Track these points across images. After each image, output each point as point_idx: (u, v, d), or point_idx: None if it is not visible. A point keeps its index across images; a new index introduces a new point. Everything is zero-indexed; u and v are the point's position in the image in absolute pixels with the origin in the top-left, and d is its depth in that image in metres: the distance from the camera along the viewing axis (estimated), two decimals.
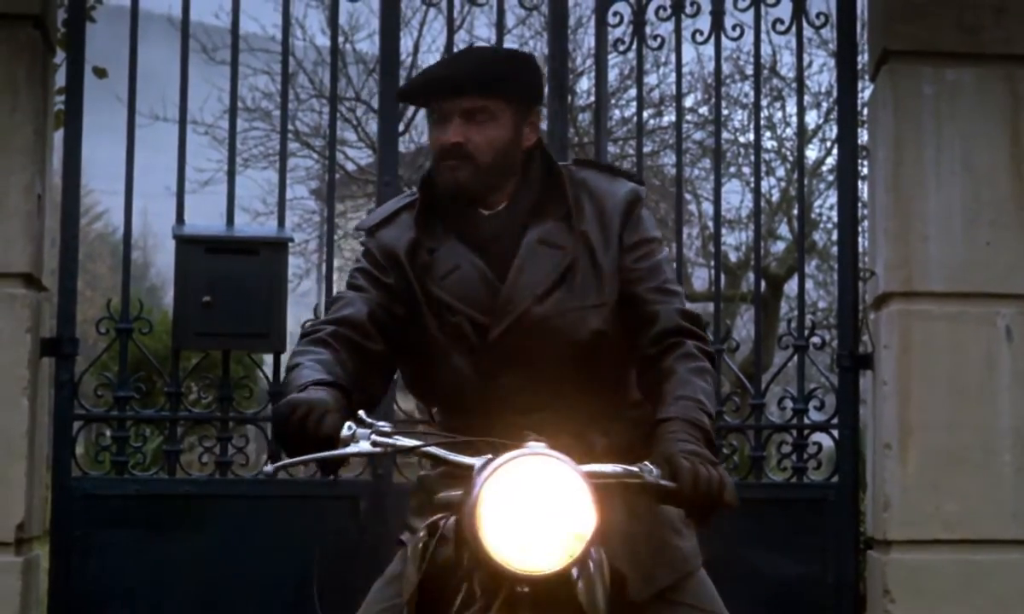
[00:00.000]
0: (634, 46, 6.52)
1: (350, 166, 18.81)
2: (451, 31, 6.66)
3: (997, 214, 5.72)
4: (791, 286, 16.49)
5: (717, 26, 6.36)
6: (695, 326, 3.30)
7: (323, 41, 17.40)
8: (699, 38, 6.50)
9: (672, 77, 7.18)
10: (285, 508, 6.02)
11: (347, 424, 2.91)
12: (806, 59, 6.97)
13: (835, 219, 6.60)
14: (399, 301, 3.37)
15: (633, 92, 13.69)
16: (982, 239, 5.71)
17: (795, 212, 10.31)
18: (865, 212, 6.45)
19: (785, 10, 6.28)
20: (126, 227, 6.19)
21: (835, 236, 6.75)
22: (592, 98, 9.42)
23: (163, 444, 6.21)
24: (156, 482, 6.07)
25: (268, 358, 6.27)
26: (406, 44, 16.60)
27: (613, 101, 15.52)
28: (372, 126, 16.93)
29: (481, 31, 16.23)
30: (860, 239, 6.24)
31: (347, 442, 2.90)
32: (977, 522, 5.66)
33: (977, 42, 5.79)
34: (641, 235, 3.37)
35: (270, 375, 6.18)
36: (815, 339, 6.34)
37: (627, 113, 16.26)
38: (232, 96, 6.42)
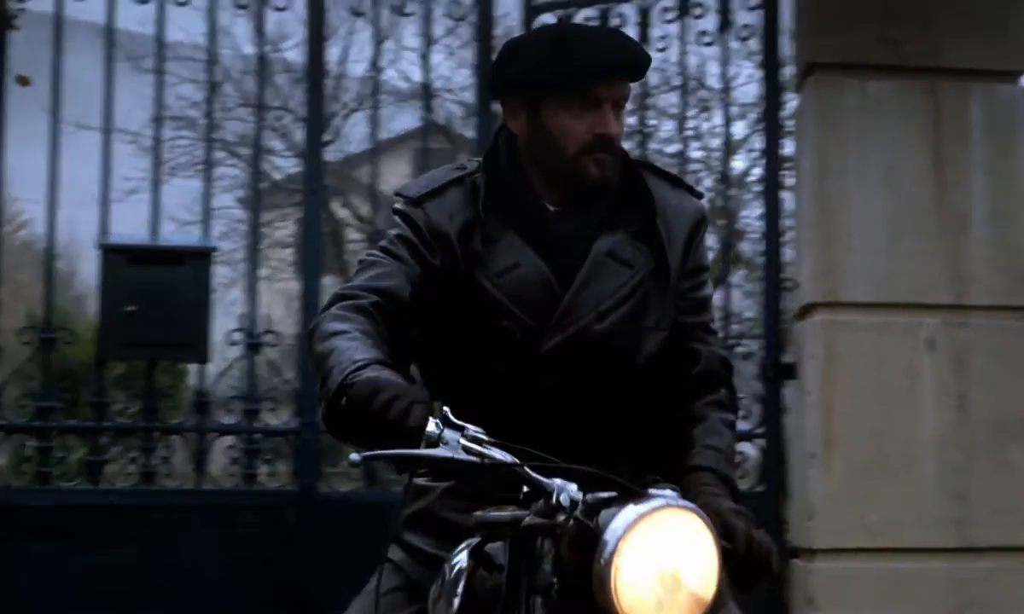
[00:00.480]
0: None
1: (277, 175, 18.75)
2: (378, 41, 6.66)
3: (919, 225, 5.77)
4: (718, 296, 16.56)
5: (643, 38, 6.39)
6: (729, 374, 3.16)
7: (250, 50, 17.32)
8: None
9: None
10: (210, 519, 5.99)
11: (432, 421, 2.56)
12: (733, 70, 7.05)
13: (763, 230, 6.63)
14: (441, 288, 3.02)
15: None
16: (905, 250, 5.75)
17: (722, 222, 10.36)
18: (791, 223, 6.49)
19: (711, 22, 6.33)
20: (49, 236, 6.15)
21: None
22: None
23: (87, 455, 6.16)
24: (80, 493, 6.02)
25: (194, 367, 6.25)
26: (333, 53, 16.58)
27: None
28: (299, 135, 16.88)
29: (409, 41, 16.22)
30: (786, 250, 6.28)
31: (434, 442, 2.54)
32: (900, 531, 5.70)
33: (900, 55, 5.83)
34: (700, 262, 3.17)
35: (197, 385, 6.15)
36: (740, 348, 6.38)
37: None
38: (158, 104, 6.39)
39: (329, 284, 6.93)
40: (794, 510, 6.01)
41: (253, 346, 6.14)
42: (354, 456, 2.50)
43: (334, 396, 2.65)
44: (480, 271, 3.01)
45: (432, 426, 2.55)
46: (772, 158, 6.33)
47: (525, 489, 2.59)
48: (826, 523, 5.73)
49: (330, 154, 15.02)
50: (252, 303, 6.30)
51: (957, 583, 5.67)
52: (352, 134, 18.10)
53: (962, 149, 5.79)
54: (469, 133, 15.06)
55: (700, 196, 3.22)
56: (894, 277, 5.75)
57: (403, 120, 17.56)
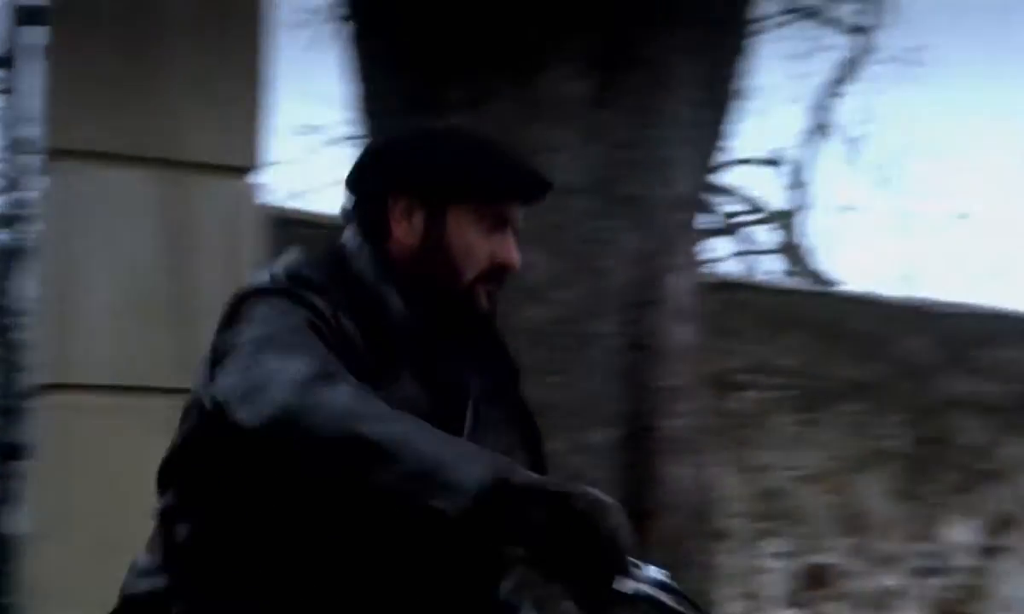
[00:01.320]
0: None
1: None
2: None
3: (152, 310, 5.92)
4: None
5: None
6: None
7: None
8: None
9: None
10: None
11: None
12: None
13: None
14: None
15: None
16: (137, 335, 5.89)
17: None
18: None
19: None
20: None
21: None
22: None
23: None
24: None
25: None
26: None
27: None
28: None
29: None
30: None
31: (636, 579, 2.17)
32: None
33: (141, 146, 5.98)
34: None
35: None
36: None
37: None
38: None
39: None
40: (26, 591, 6.00)
41: None
42: (638, 587, 2.16)
43: (517, 497, 2.14)
44: None
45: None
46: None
47: None
48: (56, 606, 5.74)
49: None
50: None
51: None
52: None
53: (195, 240, 6.01)
54: None
55: None
56: (126, 361, 5.88)
57: None
